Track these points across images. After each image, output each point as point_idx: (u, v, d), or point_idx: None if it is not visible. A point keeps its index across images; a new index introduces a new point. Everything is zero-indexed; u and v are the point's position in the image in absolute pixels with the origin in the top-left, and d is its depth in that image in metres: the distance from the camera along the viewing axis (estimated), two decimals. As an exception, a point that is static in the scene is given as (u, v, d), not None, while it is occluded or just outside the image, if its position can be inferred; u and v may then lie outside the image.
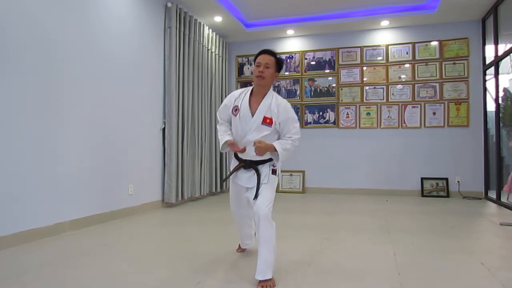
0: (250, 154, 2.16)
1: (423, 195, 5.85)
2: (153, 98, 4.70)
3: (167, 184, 4.78)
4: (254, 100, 2.19)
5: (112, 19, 3.98)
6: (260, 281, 2.01)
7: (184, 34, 5.13)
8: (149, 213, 4.37)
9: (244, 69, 6.93)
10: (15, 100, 2.90)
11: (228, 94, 7.04)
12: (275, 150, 2.11)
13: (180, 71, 5.02)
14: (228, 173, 2.39)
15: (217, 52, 6.23)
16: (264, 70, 2.13)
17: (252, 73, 6.76)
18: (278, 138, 2.22)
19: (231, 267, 2.39)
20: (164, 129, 4.85)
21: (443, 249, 2.81)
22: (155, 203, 4.68)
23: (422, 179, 5.91)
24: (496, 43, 5.21)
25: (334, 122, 6.37)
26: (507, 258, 2.58)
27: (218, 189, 6.21)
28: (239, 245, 2.71)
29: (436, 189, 5.84)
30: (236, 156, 2.32)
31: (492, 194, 5.33)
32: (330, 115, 6.40)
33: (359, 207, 4.83)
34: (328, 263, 2.46)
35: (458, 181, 5.79)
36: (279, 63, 2.21)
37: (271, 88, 2.23)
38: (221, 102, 6.35)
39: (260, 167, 2.21)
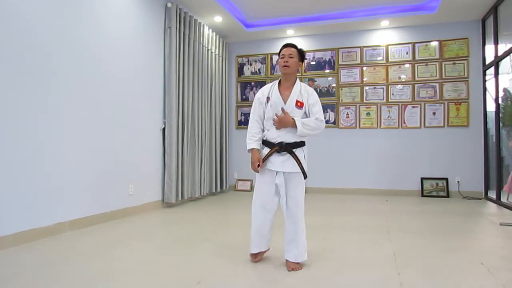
0: (284, 137, 2.30)
1: (423, 195, 5.85)
2: (153, 98, 4.70)
3: (167, 184, 4.78)
4: (284, 88, 2.38)
5: (111, 19, 3.98)
6: (298, 263, 2.30)
7: (184, 34, 5.13)
8: (149, 213, 4.37)
9: (244, 69, 6.93)
10: (14, 100, 2.90)
11: (228, 94, 7.09)
12: (295, 124, 2.25)
13: (180, 71, 5.02)
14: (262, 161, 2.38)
15: (217, 52, 6.23)
16: (288, 60, 2.35)
17: (252, 73, 6.79)
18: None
19: (231, 267, 2.39)
20: (164, 129, 4.85)
21: (443, 249, 2.80)
22: (155, 203, 4.68)
23: (422, 179, 5.91)
24: (496, 43, 5.21)
25: (334, 122, 6.37)
26: (507, 258, 2.58)
27: (218, 189, 6.21)
28: (252, 253, 2.45)
29: (436, 189, 5.84)
30: (266, 143, 2.37)
31: (492, 194, 5.33)
32: (330, 115, 6.40)
33: (359, 207, 4.84)
34: (328, 263, 2.46)
35: (458, 181, 5.79)
36: (301, 53, 2.43)
37: (297, 78, 2.43)
38: (221, 102, 6.42)
39: (295, 150, 2.30)
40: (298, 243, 2.29)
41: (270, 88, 2.41)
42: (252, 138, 2.39)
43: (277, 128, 2.30)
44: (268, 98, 2.37)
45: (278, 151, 2.30)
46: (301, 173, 2.31)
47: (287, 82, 2.39)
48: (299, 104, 2.31)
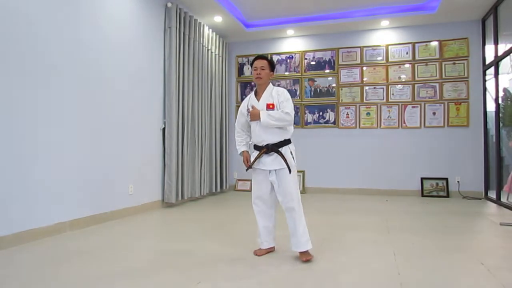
0: (268, 139, 2.56)
1: (423, 195, 5.85)
2: (153, 98, 4.70)
3: (167, 184, 4.78)
4: (259, 96, 2.66)
5: (111, 19, 3.98)
6: (303, 252, 2.47)
7: (184, 34, 5.13)
8: (149, 213, 4.37)
9: (244, 69, 6.93)
10: (14, 100, 2.90)
11: (228, 94, 7.11)
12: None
13: (180, 71, 5.02)
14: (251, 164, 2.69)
15: (217, 52, 6.23)
16: (261, 72, 2.62)
17: (251, 73, 6.79)
18: None
19: (231, 266, 2.39)
20: (164, 129, 4.85)
21: (443, 249, 2.80)
22: (155, 203, 4.68)
23: (422, 179, 5.91)
24: (496, 43, 5.21)
25: (334, 122, 6.37)
26: (507, 258, 2.58)
27: (218, 189, 6.21)
28: (259, 248, 2.67)
29: (436, 189, 5.84)
30: (255, 147, 2.65)
31: (492, 194, 5.33)
32: (330, 115, 6.40)
33: (359, 207, 4.83)
34: (328, 263, 2.46)
35: (458, 181, 5.79)
36: (271, 64, 2.69)
37: (270, 84, 2.69)
38: (221, 102, 6.42)
39: (281, 149, 2.54)
40: (297, 233, 2.48)
41: (248, 100, 2.71)
42: (240, 143, 2.75)
43: (250, 121, 2.62)
44: (248, 110, 2.65)
45: (266, 153, 2.56)
46: (290, 176, 2.52)
47: (261, 90, 2.67)
48: (271, 106, 2.56)
